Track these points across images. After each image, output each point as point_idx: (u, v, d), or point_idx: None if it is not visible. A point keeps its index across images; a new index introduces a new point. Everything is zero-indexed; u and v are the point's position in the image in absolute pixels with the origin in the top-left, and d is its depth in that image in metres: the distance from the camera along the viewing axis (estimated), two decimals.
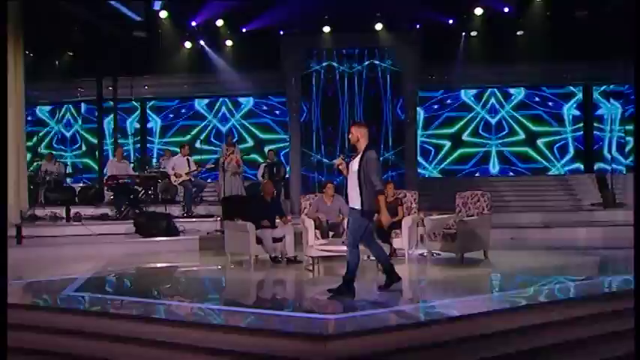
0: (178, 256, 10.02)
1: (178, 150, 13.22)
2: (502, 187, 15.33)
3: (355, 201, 6.13)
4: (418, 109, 16.17)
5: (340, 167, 6.27)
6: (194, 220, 12.17)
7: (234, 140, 13.46)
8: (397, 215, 9.41)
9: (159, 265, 9.50)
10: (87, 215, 12.25)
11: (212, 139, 17.46)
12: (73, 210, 12.28)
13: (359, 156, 6.13)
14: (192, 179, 12.81)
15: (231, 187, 12.42)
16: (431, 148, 16.86)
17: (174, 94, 17.67)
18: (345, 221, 9.50)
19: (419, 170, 16.30)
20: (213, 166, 13.68)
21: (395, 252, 9.18)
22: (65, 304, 6.23)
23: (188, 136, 17.48)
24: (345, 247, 7.72)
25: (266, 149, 15.66)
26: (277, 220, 9.22)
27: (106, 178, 12.69)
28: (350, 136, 6.25)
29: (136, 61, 15.76)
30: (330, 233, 9.03)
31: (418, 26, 14.85)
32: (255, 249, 8.93)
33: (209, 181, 14.85)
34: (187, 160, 12.79)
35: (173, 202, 13.08)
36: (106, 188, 13.02)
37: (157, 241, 10.71)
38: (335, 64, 15.58)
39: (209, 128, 17.71)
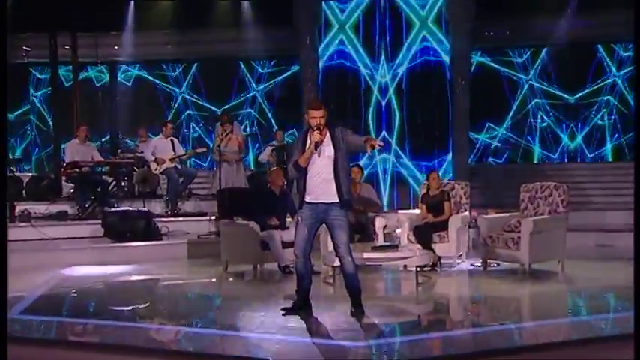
0: (160, 266, 10.13)
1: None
2: (581, 176, 15.23)
3: (330, 194, 6.46)
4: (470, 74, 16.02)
5: (316, 142, 6.45)
6: (181, 219, 12.29)
7: (232, 117, 13.55)
8: (442, 213, 9.44)
9: (134, 277, 9.59)
10: (38, 214, 12.39)
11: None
12: (20, 207, 12.41)
13: (327, 138, 6.49)
14: (179, 167, 12.91)
15: (230, 177, 12.54)
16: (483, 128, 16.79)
17: (153, 56, 17.74)
18: (375, 218, 9.65)
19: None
20: (205, 149, 13.74)
21: (439, 262, 9.25)
22: (8, 329, 6.20)
23: (172, 112, 17.64)
24: (396, 254, 7.93)
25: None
26: (288, 219, 9.33)
27: (64, 165, 12.76)
28: (320, 119, 6.46)
29: (102, 12, 15.81)
30: (357, 236, 9.14)
31: None
32: (260, 256, 9.03)
33: (205, 167, 14.90)
34: (172, 142, 12.88)
35: (154, 197, 13.20)
36: (64, 179, 13.11)
37: (133, 246, 10.85)
38: None
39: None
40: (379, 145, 6.34)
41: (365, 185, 10.31)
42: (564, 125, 16.69)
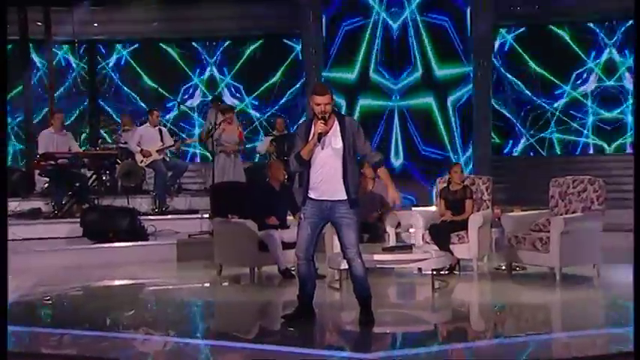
0: (146, 270, 10.13)
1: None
2: (619, 168, 15.16)
3: (335, 190, 6.48)
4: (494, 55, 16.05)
5: (320, 133, 6.46)
6: (170, 217, 12.31)
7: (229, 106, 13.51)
8: (463, 211, 9.46)
9: (117, 282, 9.60)
10: (9, 212, 12.28)
11: (190, 103, 17.56)
12: None
13: (334, 128, 6.50)
14: (168, 159, 12.91)
15: (227, 170, 12.54)
16: (507, 114, 16.73)
17: (137, 33, 17.75)
18: (389, 216, 9.66)
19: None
20: (197, 140, 13.71)
21: (458, 265, 9.27)
22: None
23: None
24: (409, 256, 8.01)
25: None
26: (289, 218, 9.35)
27: (37, 156, 12.76)
28: (325, 105, 6.44)
29: None
30: (365, 236, 9.12)
31: None
32: (257, 258, 9.04)
33: (197, 161, 14.89)
34: (160, 131, 12.87)
35: (139, 192, 13.21)
36: (38, 172, 13.07)
37: (115, 247, 10.85)
38: None
39: (189, 86, 17.85)
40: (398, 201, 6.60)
41: (379, 182, 10.26)
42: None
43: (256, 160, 15.30)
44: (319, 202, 6.52)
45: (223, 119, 12.53)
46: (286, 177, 10.26)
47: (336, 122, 6.51)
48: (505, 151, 16.70)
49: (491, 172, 12.91)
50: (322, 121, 6.39)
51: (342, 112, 6.80)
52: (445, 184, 9.81)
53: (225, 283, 9.19)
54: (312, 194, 6.54)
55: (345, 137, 6.46)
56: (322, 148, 6.46)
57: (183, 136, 15.90)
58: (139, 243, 11.03)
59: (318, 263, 8.34)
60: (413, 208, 11.02)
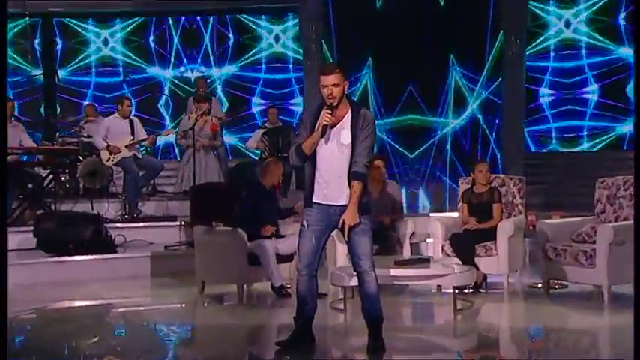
0: (114, 288, 10.15)
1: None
2: None
3: (343, 195, 6.51)
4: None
5: (325, 125, 6.43)
6: (142, 225, 12.38)
7: (209, 91, 13.61)
8: (490, 218, 9.49)
9: (79, 303, 9.59)
10: None
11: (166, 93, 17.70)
12: None
13: (345, 119, 6.49)
14: (140, 156, 12.94)
15: (208, 169, 12.65)
16: (543, 106, 16.78)
17: (103, 7, 17.75)
18: (403, 224, 9.68)
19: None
20: (174, 132, 13.72)
21: (484, 281, 9.29)
22: None
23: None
24: (427, 271, 8.03)
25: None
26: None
27: None
28: (332, 88, 6.40)
29: None
30: (374, 247, 9.08)
31: None
32: (247, 274, 9.07)
33: (174, 159, 14.80)
34: (131, 123, 12.90)
35: (105, 196, 13.21)
36: None
37: (77, 261, 10.84)
38: None
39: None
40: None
41: (390, 183, 10.37)
42: None
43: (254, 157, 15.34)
44: (325, 207, 6.53)
45: (200, 111, 12.72)
46: (281, 179, 10.27)
47: (349, 112, 6.49)
48: (541, 146, 16.77)
49: (524, 170, 12.90)
50: (328, 110, 6.38)
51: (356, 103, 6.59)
52: (469, 186, 9.82)
53: (208, 303, 9.21)
54: (316, 198, 6.55)
55: (354, 130, 6.46)
56: (327, 143, 6.46)
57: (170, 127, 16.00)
58: (105, 256, 11.01)
59: (318, 280, 8.39)
60: (431, 214, 11.02)
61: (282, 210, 9.68)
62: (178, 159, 15.46)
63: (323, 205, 6.53)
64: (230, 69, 17.88)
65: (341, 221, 6.41)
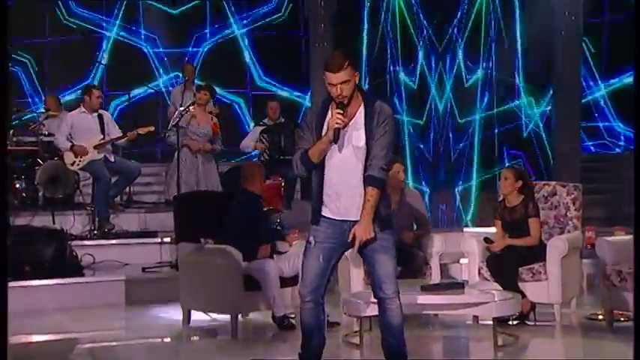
0: (81, 319, 10.17)
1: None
2: None
3: (359, 206, 6.46)
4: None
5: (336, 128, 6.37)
6: (115, 242, 12.39)
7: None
8: (525, 234, 9.40)
9: (37, 338, 9.58)
10: None
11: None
12: None
13: (357, 116, 6.47)
14: (112, 159, 12.93)
15: (199, 175, 12.68)
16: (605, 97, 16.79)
17: None
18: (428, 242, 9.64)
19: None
20: (153, 128, 13.73)
21: (532, 311, 9.21)
22: None
23: (98, 74, 17.71)
24: (460, 298, 8.01)
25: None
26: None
27: None
28: (342, 87, 6.33)
29: None
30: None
31: None
32: (243, 301, 9.07)
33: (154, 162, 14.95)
34: (100, 118, 12.92)
35: (70, 207, 13.24)
36: None
37: (36, 287, 10.83)
38: None
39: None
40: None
41: (410, 191, 10.34)
42: None
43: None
44: (338, 222, 6.48)
45: (194, 101, 12.67)
46: (282, 185, 10.25)
47: (361, 108, 6.44)
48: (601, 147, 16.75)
49: (580, 176, 12.90)
50: (339, 110, 6.30)
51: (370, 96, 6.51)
52: (502, 198, 9.78)
53: (196, 337, 9.25)
54: (327, 211, 6.49)
55: (368, 129, 6.41)
56: (337, 147, 6.40)
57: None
58: (71, 280, 11.01)
59: (328, 308, 8.38)
60: (465, 229, 10.97)
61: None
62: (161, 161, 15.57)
63: (335, 220, 6.47)
64: None
65: (351, 234, 6.34)
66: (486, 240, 9.54)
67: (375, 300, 6.75)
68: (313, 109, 6.76)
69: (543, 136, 15.67)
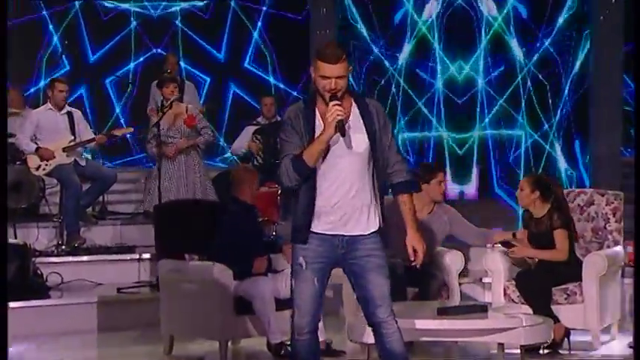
0: (47, 348, 10.20)
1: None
2: None
3: (360, 219, 6.44)
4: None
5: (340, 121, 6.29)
6: (86, 259, 12.37)
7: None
8: (552, 247, 9.33)
9: None
10: None
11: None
12: None
13: (352, 115, 6.45)
14: (83, 163, 12.90)
15: (181, 182, 12.62)
16: None
17: None
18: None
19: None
20: (132, 129, 13.73)
21: (567, 338, 9.11)
22: None
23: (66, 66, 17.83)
24: (484, 323, 8.07)
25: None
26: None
27: None
28: (337, 81, 6.24)
29: None
30: (410, 291, 9.22)
31: None
32: (233, 327, 9.04)
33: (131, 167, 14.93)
34: (69, 116, 12.92)
35: (35, 218, 13.24)
36: None
37: None
38: None
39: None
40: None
41: (446, 208, 10.16)
42: None
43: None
44: (330, 237, 6.34)
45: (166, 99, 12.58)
46: (279, 193, 10.13)
47: (354, 108, 6.37)
48: None
49: (621, 183, 13.11)
50: (336, 102, 6.16)
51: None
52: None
53: None
54: (317, 226, 6.35)
55: (371, 131, 6.38)
56: (334, 152, 6.29)
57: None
58: (35, 303, 11.00)
59: (331, 334, 8.24)
60: (489, 243, 10.83)
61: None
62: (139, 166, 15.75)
63: (326, 235, 6.35)
64: None
65: (410, 249, 6.36)
66: (505, 244, 9.57)
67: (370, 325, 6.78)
68: (293, 110, 6.57)
69: None
